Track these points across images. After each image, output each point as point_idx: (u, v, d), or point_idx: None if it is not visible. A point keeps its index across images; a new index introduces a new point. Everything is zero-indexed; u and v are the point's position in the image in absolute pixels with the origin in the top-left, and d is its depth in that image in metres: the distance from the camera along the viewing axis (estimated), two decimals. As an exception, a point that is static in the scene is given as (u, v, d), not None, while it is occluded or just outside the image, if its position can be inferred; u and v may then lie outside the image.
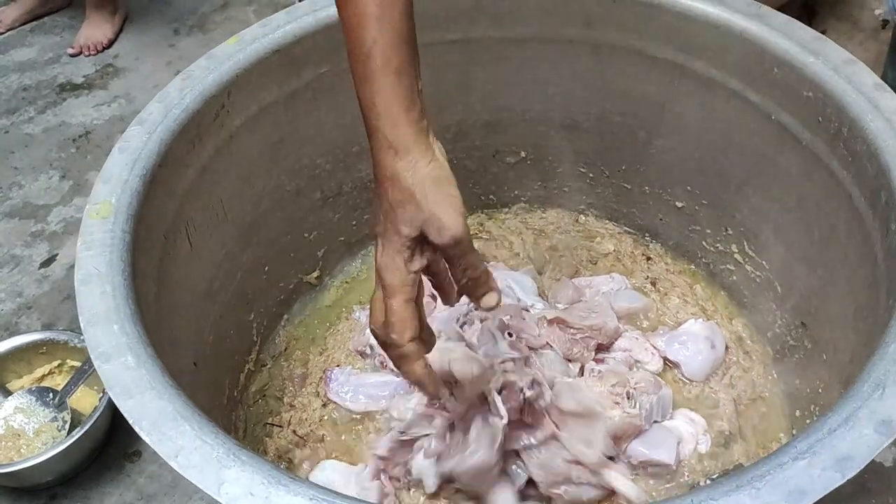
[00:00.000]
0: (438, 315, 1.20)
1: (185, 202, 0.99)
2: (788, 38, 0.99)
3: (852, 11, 2.24)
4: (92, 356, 0.73)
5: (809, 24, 2.03)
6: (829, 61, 0.96)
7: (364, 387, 1.16)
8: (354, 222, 1.34)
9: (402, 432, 1.04)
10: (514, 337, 1.09)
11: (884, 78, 1.92)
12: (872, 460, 1.27)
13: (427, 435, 1.04)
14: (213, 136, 1.03)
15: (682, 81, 1.13)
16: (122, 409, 0.69)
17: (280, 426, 1.15)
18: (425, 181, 0.74)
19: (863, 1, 2.23)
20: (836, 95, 0.93)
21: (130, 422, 0.68)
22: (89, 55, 2.40)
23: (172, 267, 0.95)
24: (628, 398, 1.06)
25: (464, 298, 0.86)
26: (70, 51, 2.41)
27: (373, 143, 0.77)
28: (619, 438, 1.05)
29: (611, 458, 1.04)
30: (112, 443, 1.44)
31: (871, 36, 2.14)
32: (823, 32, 2.03)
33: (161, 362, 0.74)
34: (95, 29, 2.41)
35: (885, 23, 2.15)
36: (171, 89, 0.99)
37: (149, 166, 0.91)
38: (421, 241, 0.76)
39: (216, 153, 1.04)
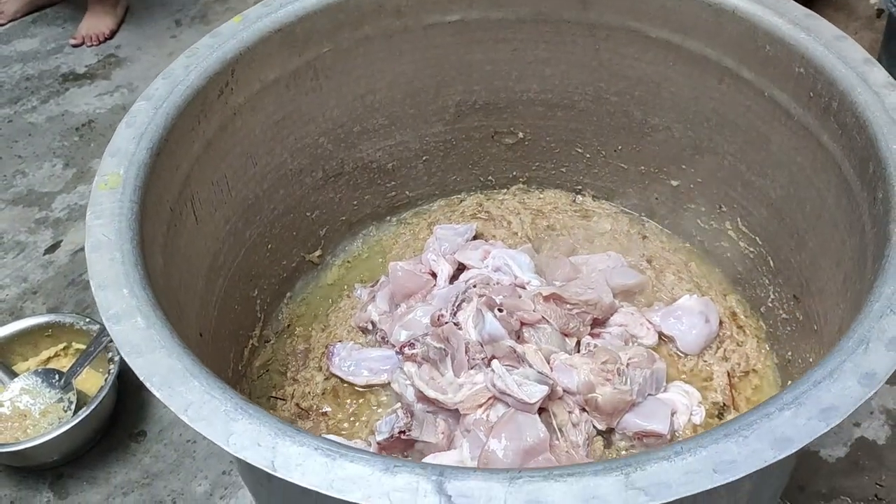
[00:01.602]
0: (437, 293, 1.22)
1: (191, 177, 1.01)
2: (780, 15, 1.01)
3: (848, 1, 2.26)
4: (103, 317, 0.75)
5: (805, 14, 2.07)
6: (821, 37, 0.98)
7: (366, 361, 1.19)
8: (356, 202, 1.36)
9: (402, 432, 1.06)
10: (504, 312, 1.11)
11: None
12: (865, 438, 1.30)
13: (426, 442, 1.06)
14: (218, 112, 1.05)
15: (678, 61, 1.16)
16: (133, 367, 0.72)
17: (283, 399, 1.18)
18: None
19: (858, -9, 2.26)
20: (826, 70, 0.96)
21: (142, 378, 0.70)
22: (91, 46, 2.42)
23: (179, 239, 0.98)
24: (619, 375, 1.08)
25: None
26: (72, 41, 2.43)
27: None
28: (611, 414, 1.08)
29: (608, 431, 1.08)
30: (117, 423, 1.46)
31: (866, 25, 2.16)
32: (819, 21, 2.07)
33: (170, 325, 0.77)
34: (97, 20, 2.43)
35: (879, 12, 2.18)
36: (176, 66, 1.02)
37: (155, 140, 0.94)
38: None
39: (220, 129, 1.06)
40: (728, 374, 1.16)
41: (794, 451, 0.63)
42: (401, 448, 1.07)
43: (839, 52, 0.96)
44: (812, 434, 0.64)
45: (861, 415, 1.39)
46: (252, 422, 0.68)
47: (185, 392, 0.70)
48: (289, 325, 1.29)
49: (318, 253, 1.35)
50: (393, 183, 1.38)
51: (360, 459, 0.64)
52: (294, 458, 0.65)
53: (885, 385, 1.42)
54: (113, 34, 2.45)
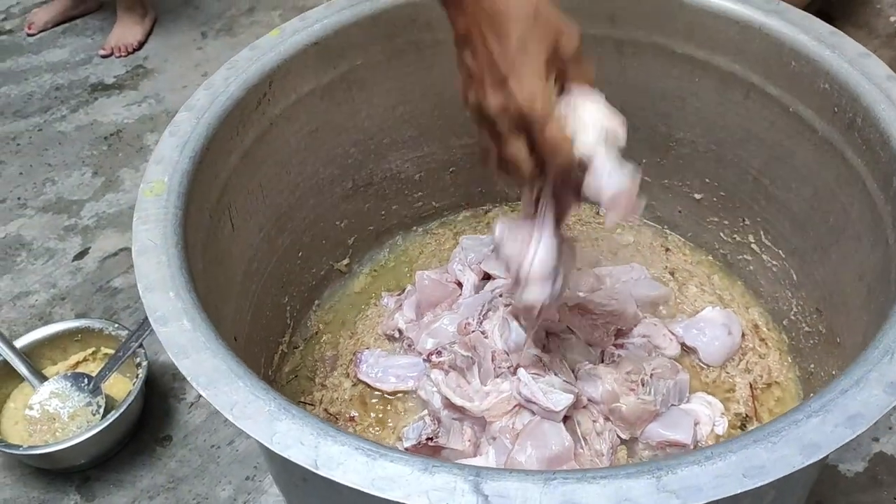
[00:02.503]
0: (464, 301, 1.24)
1: (228, 185, 1.04)
2: (806, 32, 1.04)
3: (868, 18, 2.28)
4: (150, 319, 0.78)
5: (825, 31, 2.08)
6: (845, 54, 1.00)
7: (393, 367, 1.21)
8: (383, 212, 1.39)
9: (429, 438, 1.08)
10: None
11: (898, 83, 1.97)
12: (884, 453, 1.31)
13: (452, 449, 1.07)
14: (255, 123, 1.08)
15: (704, 76, 1.18)
16: (180, 367, 0.74)
17: (312, 405, 1.20)
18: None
19: (879, 8, 2.27)
20: (850, 87, 0.98)
21: (189, 378, 0.73)
22: (120, 56, 2.46)
23: (216, 245, 1.00)
24: (643, 385, 1.10)
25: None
26: (101, 52, 2.48)
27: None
28: (634, 423, 1.09)
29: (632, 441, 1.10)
30: (144, 427, 1.49)
31: (885, 42, 2.18)
32: (839, 38, 2.08)
33: (213, 327, 0.79)
34: (126, 31, 2.48)
35: (899, 29, 2.19)
36: (216, 78, 1.05)
37: (197, 149, 0.96)
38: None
39: (257, 140, 1.09)
40: (750, 386, 1.18)
41: (822, 456, 0.65)
42: (427, 454, 1.09)
43: (863, 68, 0.98)
44: (840, 440, 0.65)
45: (880, 429, 1.40)
46: (295, 422, 0.70)
47: (230, 392, 0.72)
48: (317, 332, 1.31)
49: (345, 261, 1.38)
50: (420, 193, 1.40)
51: (400, 459, 0.67)
52: (336, 457, 0.67)
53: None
54: (141, 45, 2.50)
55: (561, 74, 0.82)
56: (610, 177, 0.85)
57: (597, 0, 1.18)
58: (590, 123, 0.83)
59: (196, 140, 0.97)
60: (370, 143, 1.28)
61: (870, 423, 0.67)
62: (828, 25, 1.03)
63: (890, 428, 1.41)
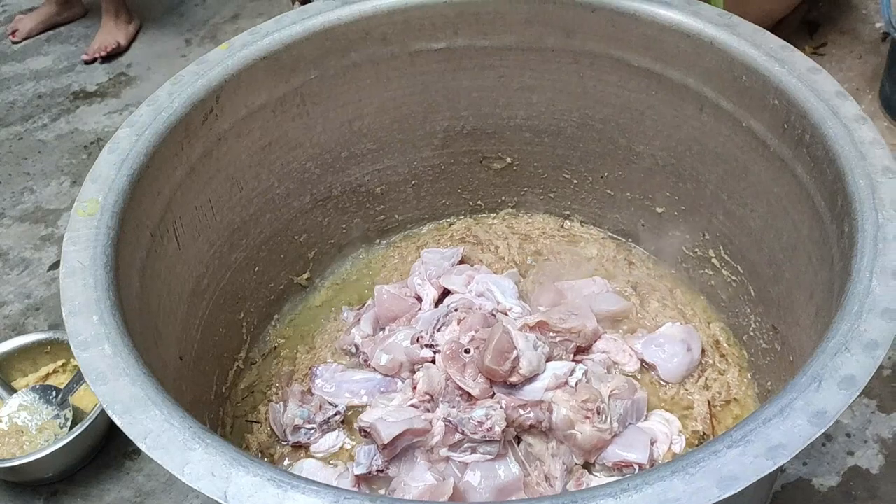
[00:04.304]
0: (421, 316, 1.23)
1: (173, 202, 1.03)
2: (756, 47, 1.02)
3: (854, 25, 2.25)
4: (71, 344, 0.77)
5: (811, 37, 2.07)
6: (794, 69, 0.99)
7: (347, 383, 1.20)
8: (344, 226, 1.38)
9: (380, 470, 1.07)
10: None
11: (882, 89, 1.94)
12: (859, 467, 1.29)
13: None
14: (202, 138, 1.07)
15: (659, 89, 1.16)
16: (96, 394, 0.73)
17: (259, 422, 1.19)
18: None
19: (865, 14, 2.25)
20: (799, 102, 0.96)
21: (104, 405, 0.72)
22: (100, 57, 2.45)
23: (159, 264, 0.99)
24: (598, 413, 1.08)
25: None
26: (84, 57, 2.47)
27: None
28: (589, 451, 1.08)
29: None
30: (112, 441, 1.48)
31: (871, 49, 2.15)
32: (825, 45, 2.07)
33: (137, 352, 0.78)
34: (108, 35, 2.48)
35: (885, 35, 2.17)
36: (161, 93, 1.04)
37: (136, 166, 0.96)
38: None
39: (204, 155, 1.08)
40: (709, 404, 1.16)
41: (738, 489, 0.63)
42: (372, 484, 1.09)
43: (812, 84, 0.96)
44: (758, 473, 0.64)
45: (855, 443, 1.38)
46: (208, 451, 0.69)
47: (145, 420, 0.71)
48: (276, 347, 1.30)
49: (306, 275, 1.37)
50: (382, 207, 1.40)
51: (312, 491, 0.66)
52: (247, 489, 0.66)
53: (880, 414, 1.40)
54: (121, 48, 2.48)
55: None
56: None
57: (552, 12, 1.17)
58: None
59: (135, 157, 0.96)
60: (327, 156, 1.27)
61: (792, 454, 0.65)
62: (779, 40, 1.02)
63: (865, 441, 1.39)
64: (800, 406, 0.68)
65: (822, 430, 0.66)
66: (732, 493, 0.63)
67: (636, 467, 1.08)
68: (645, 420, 1.14)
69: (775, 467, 0.64)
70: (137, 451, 1.47)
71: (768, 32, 1.03)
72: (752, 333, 1.18)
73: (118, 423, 0.71)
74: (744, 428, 0.67)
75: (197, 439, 0.70)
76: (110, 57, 2.47)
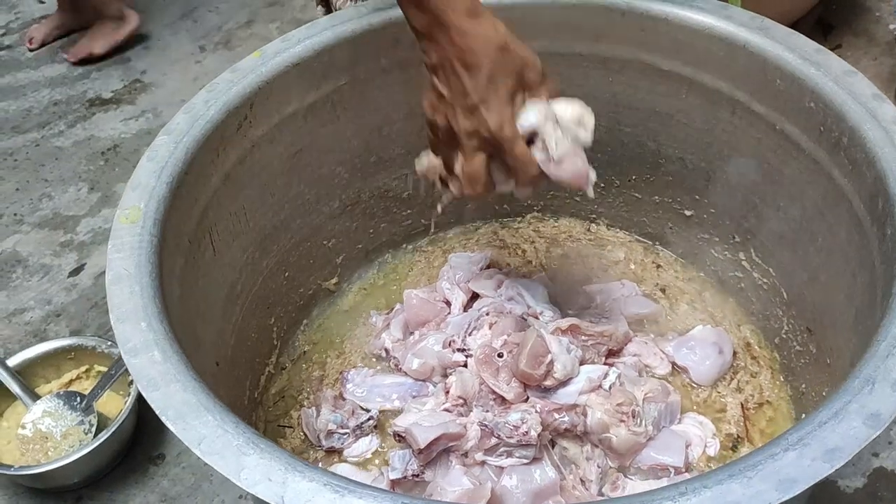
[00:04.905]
0: (452, 320, 1.23)
1: (209, 209, 1.04)
2: (791, 50, 1.02)
3: (868, 26, 2.26)
4: (121, 350, 0.77)
5: (825, 39, 2.07)
6: (830, 72, 0.99)
7: (378, 387, 1.20)
8: (372, 230, 1.38)
9: (415, 475, 1.06)
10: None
11: (897, 90, 1.95)
12: (884, 468, 1.29)
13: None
14: (236, 145, 1.08)
15: (690, 93, 1.17)
16: (149, 400, 0.73)
17: (291, 427, 1.19)
18: (507, 35, 0.88)
19: (878, 16, 2.25)
20: (836, 105, 0.96)
21: (157, 411, 0.72)
22: (70, 61, 2.47)
23: (196, 270, 1.00)
24: (633, 416, 1.09)
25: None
26: (64, 55, 2.49)
27: (443, 27, 0.88)
28: (624, 455, 1.08)
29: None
30: (137, 446, 1.48)
31: (886, 51, 2.16)
32: (839, 47, 2.07)
33: (185, 358, 0.78)
34: (90, 40, 2.49)
35: (899, 37, 2.17)
36: (196, 101, 1.04)
37: (175, 174, 0.96)
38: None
39: (239, 162, 1.09)
40: (742, 406, 1.16)
41: (798, 492, 0.63)
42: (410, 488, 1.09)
43: (849, 87, 0.97)
44: (816, 476, 0.64)
45: (880, 444, 1.38)
46: (263, 456, 0.69)
47: (198, 426, 0.71)
48: (305, 352, 1.31)
49: (334, 280, 1.37)
50: (409, 211, 1.40)
51: (369, 496, 0.66)
52: (304, 494, 0.66)
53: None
54: (91, 55, 2.48)
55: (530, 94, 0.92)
56: (558, 145, 0.94)
57: (581, 17, 1.17)
58: (558, 112, 0.94)
59: (174, 165, 0.96)
60: (357, 161, 1.28)
61: (848, 456, 0.65)
62: (813, 43, 1.02)
63: (890, 443, 1.39)
64: (854, 409, 0.68)
65: (878, 433, 0.66)
66: (791, 496, 0.63)
67: (672, 470, 1.08)
68: (679, 423, 1.14)
69: (832, 470, 0.64)
70: (162, 456, 1.47)
71: (802, 35, 1.03)
72: (784, 336, 1.18)
73: (172, 428, 0.71)
74: (800, 431, 0.67)
75: (251, 444, 0.70)
76: (82, 62, 2.48)
